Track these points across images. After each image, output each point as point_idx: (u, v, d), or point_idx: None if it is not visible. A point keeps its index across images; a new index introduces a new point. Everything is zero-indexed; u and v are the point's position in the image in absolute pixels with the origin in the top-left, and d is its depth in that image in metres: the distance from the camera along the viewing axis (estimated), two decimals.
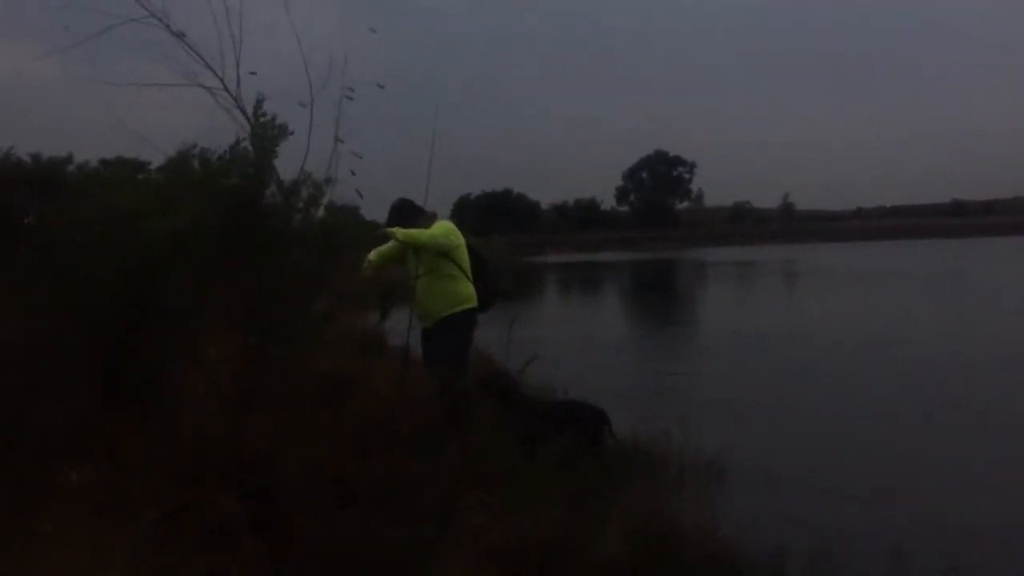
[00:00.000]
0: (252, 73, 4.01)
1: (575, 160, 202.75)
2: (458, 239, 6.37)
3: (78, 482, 3.58)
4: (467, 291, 6.37)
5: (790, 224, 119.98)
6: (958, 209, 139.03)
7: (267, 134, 4.04)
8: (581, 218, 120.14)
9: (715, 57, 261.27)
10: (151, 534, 3.34)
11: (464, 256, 6.40)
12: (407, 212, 6.38)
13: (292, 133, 4.10)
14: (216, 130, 4.17)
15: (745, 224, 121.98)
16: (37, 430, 3.80)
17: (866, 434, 8.08)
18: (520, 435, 5.36)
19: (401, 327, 6.36)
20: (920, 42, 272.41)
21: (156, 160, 5.53)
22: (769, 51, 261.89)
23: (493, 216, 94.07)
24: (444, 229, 6.33)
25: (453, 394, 5.39)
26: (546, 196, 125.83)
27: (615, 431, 6.41)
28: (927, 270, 34.59)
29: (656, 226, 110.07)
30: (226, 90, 4.02)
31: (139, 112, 4.84)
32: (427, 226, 6.32)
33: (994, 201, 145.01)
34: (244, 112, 4.08)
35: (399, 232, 6.15)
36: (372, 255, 6.34)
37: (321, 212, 4.31)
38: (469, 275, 6.40)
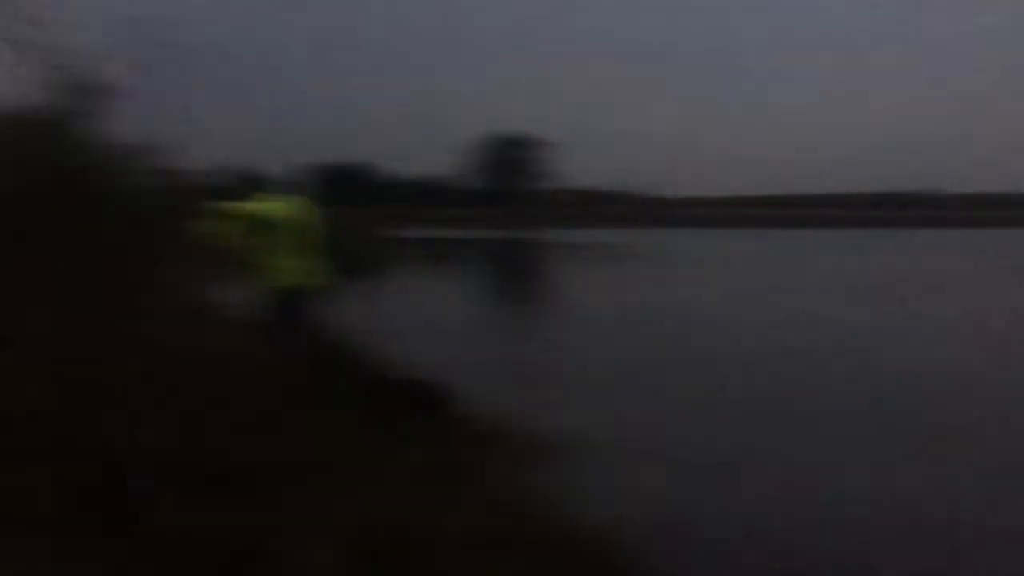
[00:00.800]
0: (73, 30, 3.67)
1: (436, 136, 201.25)
2: (302, 214, 6.26)
3: None
4: (298, 266, 6.27)
5: (652, 208, 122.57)
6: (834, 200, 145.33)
7: (79, 93, 3.72)
8: (438, 193, 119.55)
9: (589, 37, 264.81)
10: None
11: (310, 231, 6.32)
12: (250, 183, 6.24)
13: (114, 93, 3.79)
14: (31, 89, 3.81)
15: (606, 207, 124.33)
16: None
17: (708, 410, 8.37)
18: (369, 412, 5.26)
19: (243, 299, 6.17)
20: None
21: None
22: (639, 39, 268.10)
23: (348, 188, 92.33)
24: (289, 205, 6.22)
25: (300, 369, 5.26)
26: (405, 170, 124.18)
27: (465, 407, 6.40)
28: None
29: (513, 205, 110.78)
30: (41, 46, 3.65)
31: None
32: (271, 199, 6.19)
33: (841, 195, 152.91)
34: (56, 70, 3.72)
35: (245, 207, 5.99)
36: (218, 223, 6.07)
37: (149, 179, 4.04)
38: (315, 251, 6.32)
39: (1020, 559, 4.99)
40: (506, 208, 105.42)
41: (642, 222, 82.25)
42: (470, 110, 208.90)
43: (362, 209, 64.37)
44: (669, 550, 4.62)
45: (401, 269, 30.09)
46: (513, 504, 4.66)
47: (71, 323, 3.81)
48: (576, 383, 9.56)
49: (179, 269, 4.40)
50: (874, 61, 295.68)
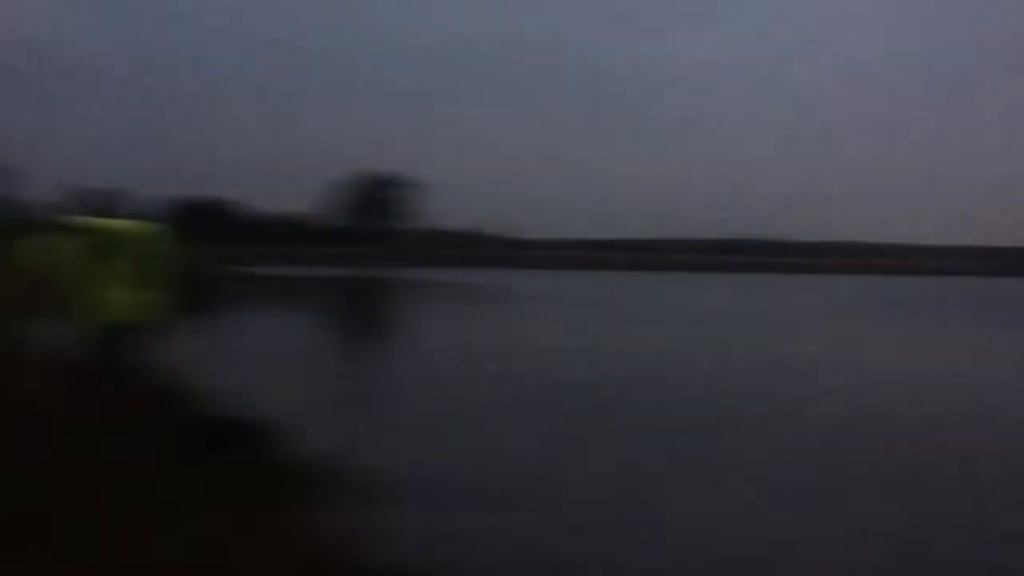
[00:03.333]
0: None
1: (298, 172, 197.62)
2: (150, 240, 6.01)
3: None
4: (144, 299, 6.01)
5: (508, 249, 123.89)
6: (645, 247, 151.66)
7: None
8: (300, 231, 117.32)
9: (463, 78, 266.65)
10: None
11: (154, 261, 6.04)
12: (102, 206, 6.02)
13: None
14: None
15: (464, 247, 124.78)
16: None
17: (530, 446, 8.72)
18: (185, 450, 5.22)
19: (65, 333, 5.95)
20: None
21: None
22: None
23: (206, 223, 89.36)
24: (138, 228, 5.94)
25: (118, 407, 5.14)
26: (270, 208, 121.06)
27: (285, 447, 6.40)
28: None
29: (374, 244, 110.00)
30: None
31: None
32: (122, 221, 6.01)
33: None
34: None
35: (92, 222, 5.72)
36: (56, 247, 5.85)
37: None
38: (155, 283, 6.06)
39: None
40: (367, 246, 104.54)
41: (498, 263, 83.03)
42: (339, 149, 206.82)
43: (219, 245, 62.48)
44: None
45: (250, 306, 29.38)
46: (326, 546, 4.63)
47: None
48: (407, 422, 9.69)
49: None
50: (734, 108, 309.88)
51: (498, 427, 9.68)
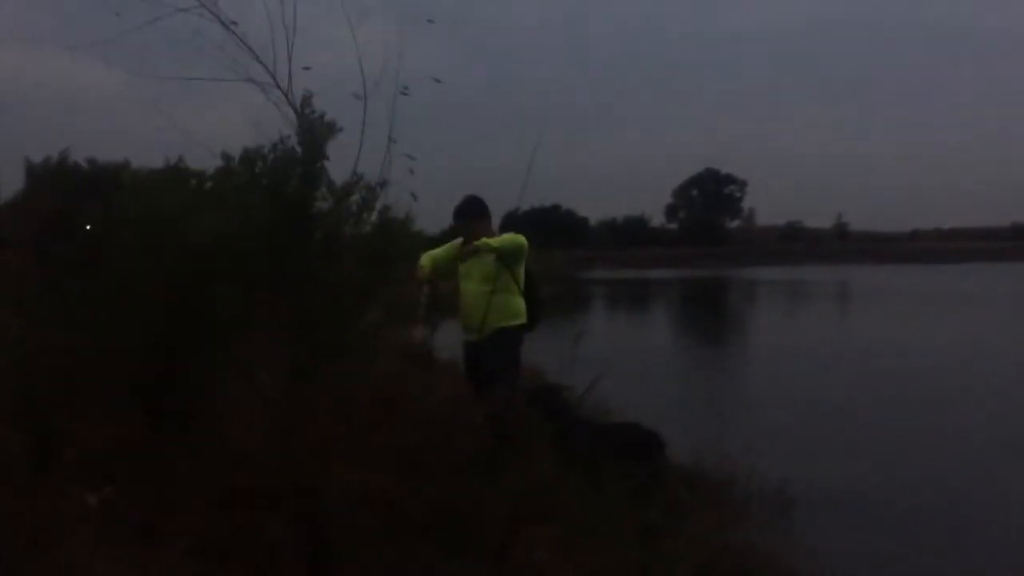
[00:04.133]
0: (306, 68, 3.77)
1: (624, 176, 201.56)
2: (524, 252, 6.03)
3: (99, 505, 3.32)
4: (522, 306, 6.04)
5: (843, 244, 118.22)
6: (1017, 233, 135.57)
7: (316, 131, 3.79)
8: (630, 234, 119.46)
9: (768, 72, 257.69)
10: (185, 562, 3.09)
11: (522, 271, 6.08)
12: (477, 211, 6.02)
13: (341, 130, 3.84)
14: (265, 128, 3.94)
15: (797, 243, 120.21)
16: (75, 448, 3.59)
17: (937, 464, 7.64)
18: (576, 460, 5.03)
19: (447, 340, 6.06)
20: (987, 61, 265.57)
21: (206, 164, 5.36)
22: (822, 67, 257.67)
23: (542, 231, 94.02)
24: (523, 241, 5.98)
25: (507, 414, 5.06)
26: (595, 212, 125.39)
27: (671, 457, 6.07)
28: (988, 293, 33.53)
29: (705, 244, 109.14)
30: (277, 85, 3.79)
31: (191, 115, 4.66)
32: (490, 230, 6.01)
33: None
34: (294, 108, 3.84)
35: (494, 241, 5.76)
36: (425, 260, 5.94)
37: (374, 217, 4.05)
38: (528, 291, 6.08)
39: None
40: (702, 246, 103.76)
41: (847, 258, 78.49)
42: (661, 150, 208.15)
43: (561, 250, 65.03)
44: None
45: (597, 310, 30.00)
46: (735, 561, 4.32)
47: (297, 366, 3.85)
48: (782, 426, 9.05)
49: (397, 310, 4.36)
50: None
51: (879, 430, 8.87)
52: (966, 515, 6.08)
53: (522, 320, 6.03)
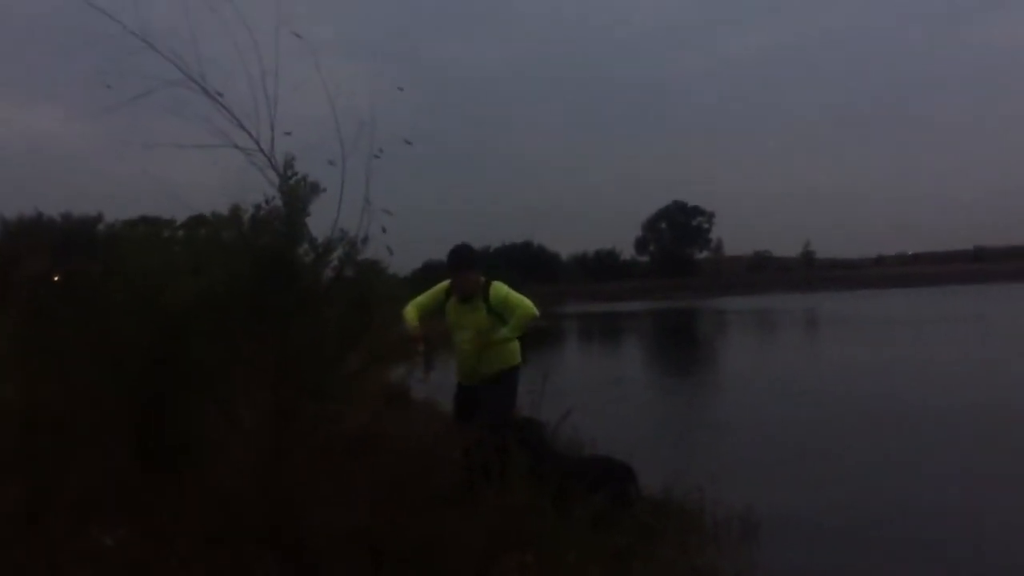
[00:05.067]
0: (287, 133, 4.04)
1: (592, 211, 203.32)
2: (510, 296, 6.23)
3: (112, 547, 3.53)
4: (517, 347, 6.26)
5: (810, 272, 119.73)
6: (980, 255, 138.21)
7: (299, 192, 4.07)
8: (600, 268, 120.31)
9: (732, 105, 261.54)
10: None
11: (511, 313, 6.19)
12: (468, 262, 6.16)
13: (324, 191, 4.13)
14: (248, 189, 4.20)
15: (765, 273, 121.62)
16: (72, 493, 3.78)
17: (897, 484, 7.91)
18: (552, 492, 5.25)
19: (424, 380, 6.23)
20: (936, 91, 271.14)
21: (179, 214, 5.58)
22: (782, 100, 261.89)
23: (514, 267, 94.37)
24: (526, 300, 6.20)
25: (490, 449, 5.24)
26: (565, 247, 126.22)
27: (642, 487, 6.29)
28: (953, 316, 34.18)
29: (675, 275, 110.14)
30: (260, 150, 4.05)
31: (173, 173, 4.89)
32: (477, 279, 6.16)
33: (1017, 247, 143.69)
34: (277, 171, 4.11)
35: (514, 329, 6.04)
36: (410, 310, 6.12)
37: (350, 270, 4.30)
38: (512, 331, 6.20)
39: None
40: (671, 278, 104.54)
41: (815, 286, 79.39)
42: (628, 185, 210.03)
43: (533, 286, 65.30)
44: None
45: (570, 344, 30.22)
46: None
47: (281, 408, 4.07)
48: (755, 455, 9.26)
49: (377, 354, 4.59)
50: None
51: (845, 453, 9.10)
52: (928, 536, 6.23)
53: (519, 360, 6.25)
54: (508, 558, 3.90)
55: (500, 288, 6.16)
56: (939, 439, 9.85)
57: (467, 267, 6.13)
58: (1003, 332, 25.70)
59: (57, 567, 3.45)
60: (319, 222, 4.15)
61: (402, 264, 6.42)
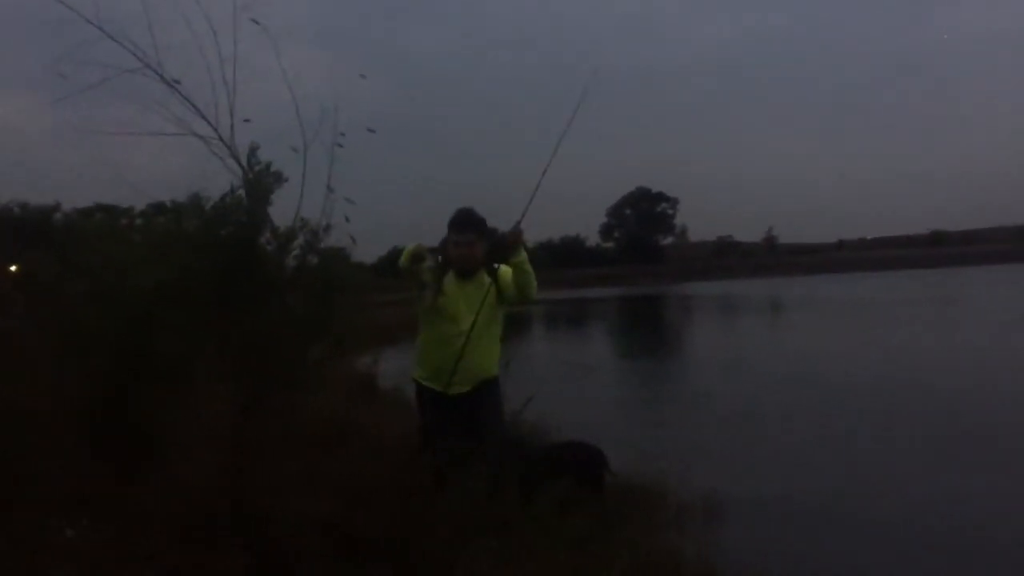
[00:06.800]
0: (246, 120, 4.01)
1: (559, 198, 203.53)
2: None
3: (75, 539, 3.50)
4: (499, 351, 5.46)
5: (773, 257, 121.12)
6: (937, 239, 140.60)
7: (262, 181, 4.04)
8: (567, 255, 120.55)
9: (694, 94, 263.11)
10: None
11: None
12: (479, 225, 5.19)
13: (287, 180, 4.10)
14: (209, 177, 4.16)
15: (729, 258, 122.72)
16: (35, 486, 3.74)
17: (867, 462, 8.05)
18: (519, 478, 5.27)
19: (390, 369, 6.19)
20: (898, 77, 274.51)
21: (141, 206, 5.51)
22: (746, 88, 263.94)
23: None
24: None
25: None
26: (530, 234, 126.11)
27: (613, 470, 6.34)
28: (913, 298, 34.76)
29: (641, 262, 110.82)
30: (220, 138, 4.01)
31: (132, 160, 4.84)
32: (482, 253, 5.24)
33: (974, 231, 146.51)
34: (238, 160, 4.07)
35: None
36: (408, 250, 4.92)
37: (313, 259, 4.28)
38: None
39: None
40: (636, 265, 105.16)
41: (778, 271, 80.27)
42: (594, 171, 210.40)
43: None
44: None
45: (537, 330, 30.31)
46: (667, 567, 4.58)
47: (246, 398, 4.05)
48: (720, 438, 9.36)
49: (343, 342, 4.53)
50: None
51: (805, 437, 9.20)
52: (887, 517, 6.29)
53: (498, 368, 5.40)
54: (475, 545, 3.92)
55: (506, 268, 5.23)
56: (897, 420, 10.01)
57: (476, 231, 5.13)
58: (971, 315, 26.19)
59: (20, 561, 3.41)
60: (281, 211, 4.13)
61: (367, 252, 6.35)
